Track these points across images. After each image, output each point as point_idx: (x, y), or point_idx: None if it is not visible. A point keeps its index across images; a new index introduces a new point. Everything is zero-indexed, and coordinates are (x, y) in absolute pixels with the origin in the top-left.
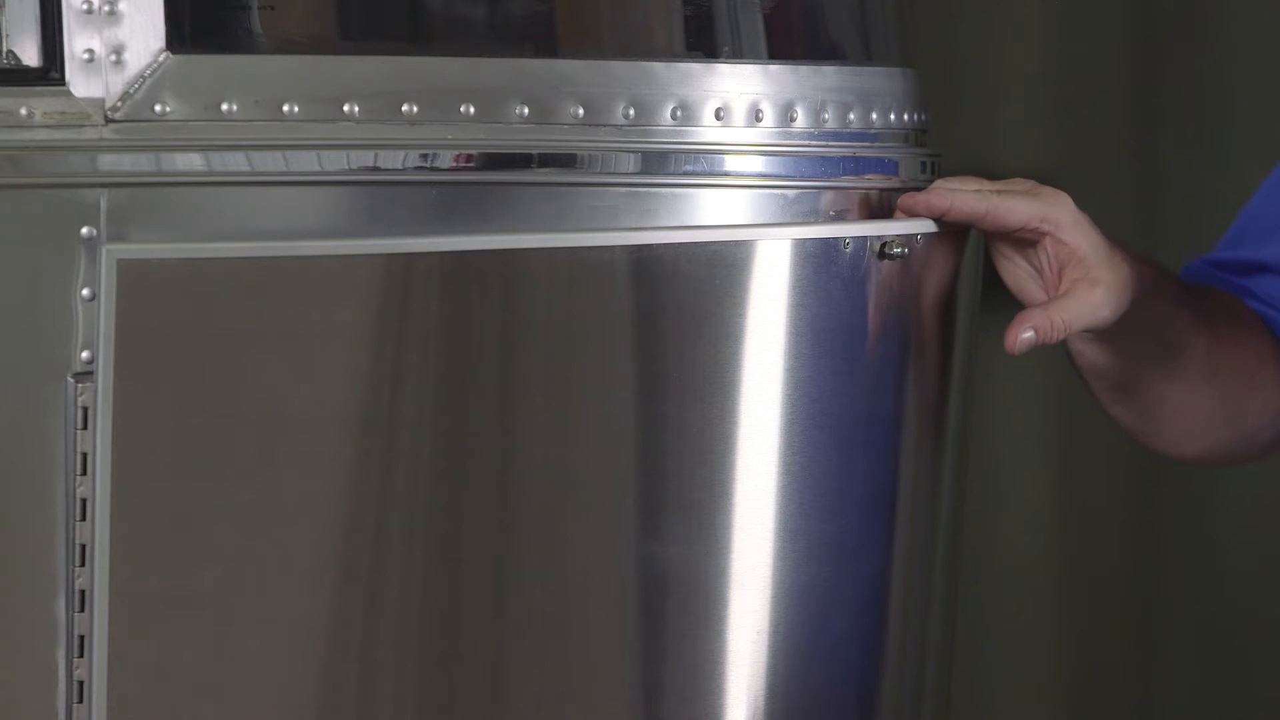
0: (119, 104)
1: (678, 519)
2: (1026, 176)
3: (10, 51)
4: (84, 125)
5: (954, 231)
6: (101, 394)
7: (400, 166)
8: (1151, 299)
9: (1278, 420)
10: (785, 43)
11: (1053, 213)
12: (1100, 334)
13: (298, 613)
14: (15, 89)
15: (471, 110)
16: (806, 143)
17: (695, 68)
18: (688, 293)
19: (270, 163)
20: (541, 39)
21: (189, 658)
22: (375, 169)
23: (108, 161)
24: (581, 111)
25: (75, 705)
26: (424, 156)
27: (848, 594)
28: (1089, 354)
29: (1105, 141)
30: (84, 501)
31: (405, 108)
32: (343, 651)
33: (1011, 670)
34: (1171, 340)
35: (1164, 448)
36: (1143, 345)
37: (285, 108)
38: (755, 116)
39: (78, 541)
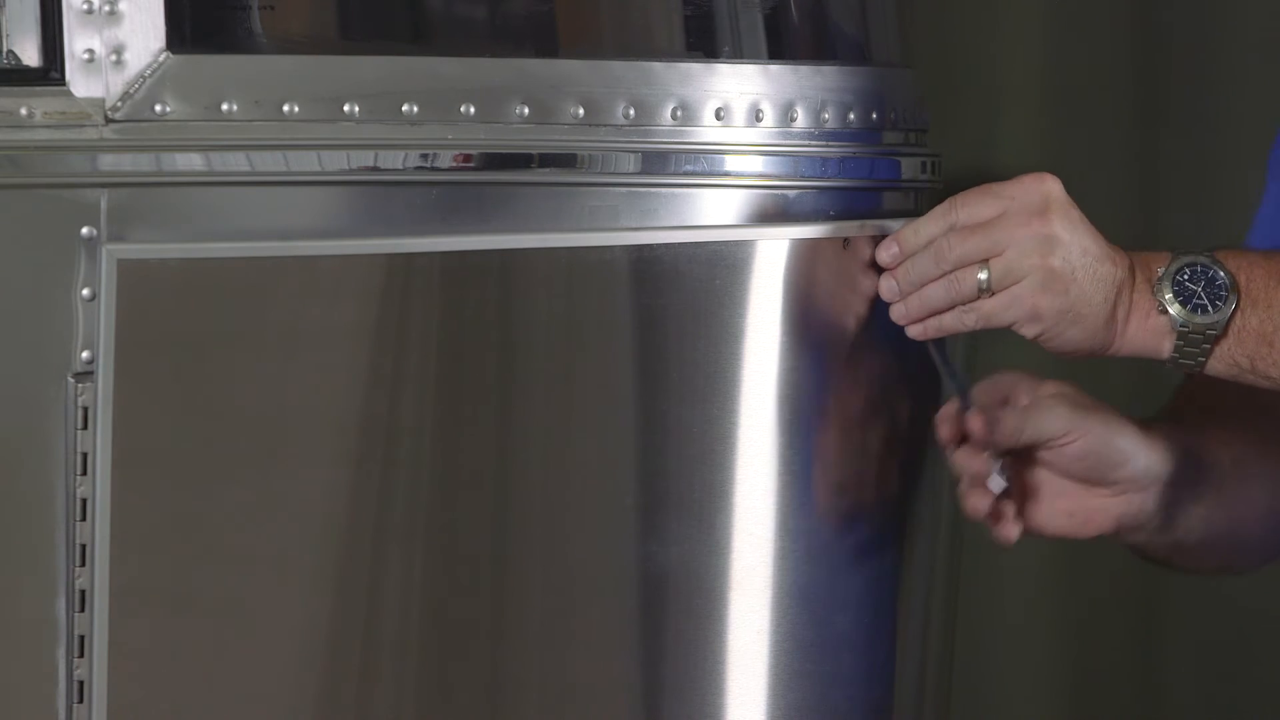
0: (119, 104)
1: (678, 519)
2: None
3: (10, 51)
4: (84, 125)
5: None
6: (101, 394)
7: (400, 166)
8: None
9: None
10: (785, 43)
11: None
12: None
13: (297, 612)
14: (15, 89)
15: (471, 110)
16: (806, 143)
17: (695, 68)
18: (688, 293)
19: (270, 163)
20: (541, 39)
21: (189, 658)
22: (375, 169)
23: (108, 161)
24: (581, 111)
25: (75, 705)
26: (424, 156)
27: (848, 594)
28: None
29: (1105, 141)
30: (84, 501)
31: (405, 108)
32: (342, 651)
33: (1011, 670)
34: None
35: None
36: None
37: (285, 108)
38: (755, 116)
39: (78, 541)
